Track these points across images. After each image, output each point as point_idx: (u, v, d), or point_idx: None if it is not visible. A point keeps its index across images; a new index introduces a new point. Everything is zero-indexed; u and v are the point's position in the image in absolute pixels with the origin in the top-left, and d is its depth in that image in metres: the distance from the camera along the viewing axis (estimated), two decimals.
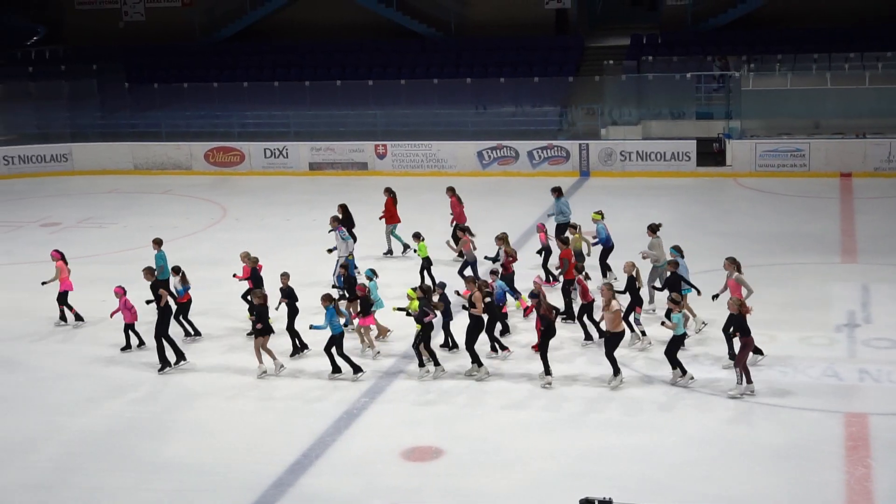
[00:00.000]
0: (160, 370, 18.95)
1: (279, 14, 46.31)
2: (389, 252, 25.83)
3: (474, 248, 22.75)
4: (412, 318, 18.48)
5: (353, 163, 37.89)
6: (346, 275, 21.12)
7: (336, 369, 18.32)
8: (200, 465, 15.45)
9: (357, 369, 18.26)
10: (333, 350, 18.20)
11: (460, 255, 23.16)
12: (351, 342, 19.36)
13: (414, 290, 18.82)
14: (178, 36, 47.02)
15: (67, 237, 29.26)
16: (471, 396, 17.55)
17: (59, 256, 21.76)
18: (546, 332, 17.65)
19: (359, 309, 19.35)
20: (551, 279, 22.60)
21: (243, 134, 40.13)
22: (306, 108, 40.40)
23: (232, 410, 17.45)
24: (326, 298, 18.14)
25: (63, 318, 21.79)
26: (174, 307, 19.67)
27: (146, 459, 15.75)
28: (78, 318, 21.77)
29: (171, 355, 19.07)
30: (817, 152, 34.12)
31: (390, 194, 25.84)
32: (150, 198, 35.25)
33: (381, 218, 25.87)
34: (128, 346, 20.11)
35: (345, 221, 24.25)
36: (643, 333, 19.22)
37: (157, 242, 21.94)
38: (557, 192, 24.93)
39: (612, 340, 17.55)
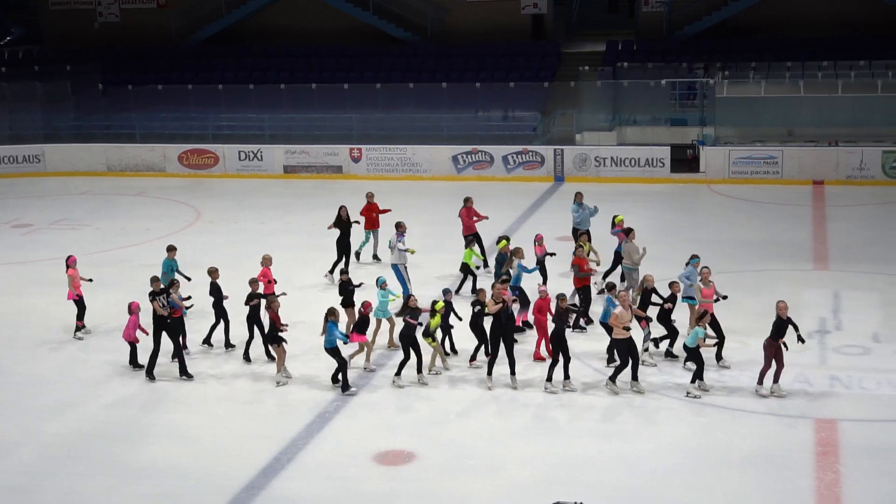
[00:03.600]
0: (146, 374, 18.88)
1: (255, 18, 46.22)
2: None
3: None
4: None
5: (328, 166, 37.87)
6: (345, 280, 20.33)
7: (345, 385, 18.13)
8: (176, 469, 15.42)
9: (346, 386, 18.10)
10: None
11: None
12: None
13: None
14: (153, 38, 46.82)
15: (39, 239, 29.05)
16: (446, 402, 17.58)
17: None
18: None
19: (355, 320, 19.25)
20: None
21: (218, 136, 40.01)
22: (281, 112, 40.36)
23: (207, 414, 17.41)
24: (331, 312, 17.87)
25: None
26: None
27: (122, 463, 15.71)
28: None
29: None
30: (790, 160, 34.39)
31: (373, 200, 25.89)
32: (124, 200, 35.10)
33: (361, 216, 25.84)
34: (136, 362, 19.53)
35: (339, 223, 24.38)
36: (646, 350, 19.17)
37: (170, 249, 21.84)
38: (581, 196, 24.99)
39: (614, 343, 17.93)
